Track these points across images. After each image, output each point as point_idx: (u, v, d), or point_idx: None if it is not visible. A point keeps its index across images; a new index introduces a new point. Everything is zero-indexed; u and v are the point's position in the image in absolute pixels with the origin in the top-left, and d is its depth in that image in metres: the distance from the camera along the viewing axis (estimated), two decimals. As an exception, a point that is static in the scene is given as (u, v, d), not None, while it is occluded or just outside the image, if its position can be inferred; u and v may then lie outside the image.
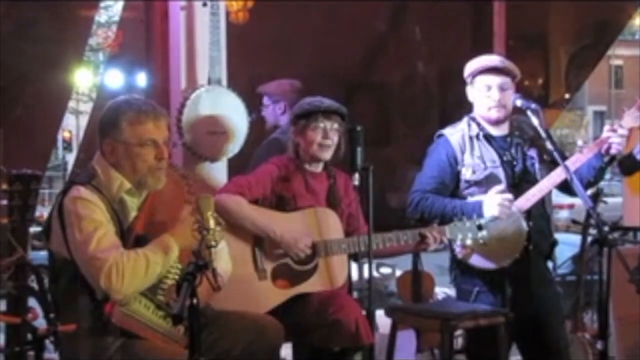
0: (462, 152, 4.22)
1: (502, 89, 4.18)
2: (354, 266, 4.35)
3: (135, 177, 3.27)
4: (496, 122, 4.25)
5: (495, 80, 4.19)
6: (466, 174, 4.21)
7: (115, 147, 3.26)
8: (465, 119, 4.31)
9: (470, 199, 4.19)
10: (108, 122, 3.30)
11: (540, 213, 4.26)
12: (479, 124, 4.26)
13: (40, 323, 2.91)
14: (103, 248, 3.08)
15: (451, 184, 4.23)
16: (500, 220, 4.06)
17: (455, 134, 4.27)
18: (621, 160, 4.56)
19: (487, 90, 4.19)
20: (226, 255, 3.45)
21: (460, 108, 4.53)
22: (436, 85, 7.88)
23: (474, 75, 4.23)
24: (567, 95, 9.18)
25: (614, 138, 4.16)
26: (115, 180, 3.25)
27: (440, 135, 4.33)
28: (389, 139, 7.59)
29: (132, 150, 3.25)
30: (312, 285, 3.96)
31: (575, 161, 4.16)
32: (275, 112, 5.30)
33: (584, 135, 33.56)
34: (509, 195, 4.09)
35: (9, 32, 5.36)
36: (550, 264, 4.41)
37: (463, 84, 4.38)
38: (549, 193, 4.25)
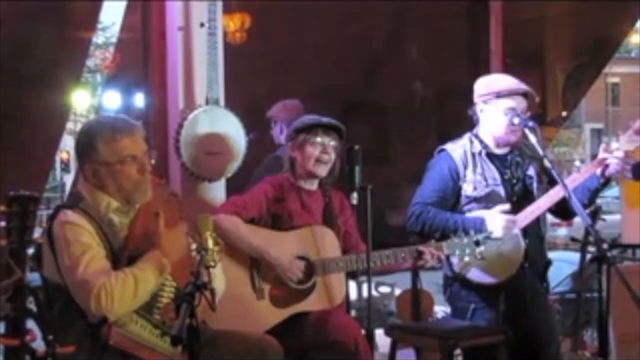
0: (465, 167, 4.22)
1: (523, 112, 4.19)
2: (353, 285, 4.34)
3: (122, 194, 3.25)
4: (508, 144, 4.25)
5: (520, 104, 4.20)
6: (467, 189, 4.22)
7: (97, 169, 3.24)
8: (466, 136, 4.31)
9: (469, 214, 4.19)
10: (84, 146, 3.27)
11: (535, 232, 4.28)
12: (481, 142, 4.27)
13: (39, 345, 2.90)
14: (91, 271, 3.06)
15: (452, 198, 4.23)
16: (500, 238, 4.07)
17: (457, 149, 4.27)
18: (636, 165, 4.55)
19: (511, 112, 4.17)
20: (220, 273, 3.43)
21: (458, 126, 4.53)
22: (434, 104, 7.89)
23: (500, 96, 4.21)
24: (564, 113, 9.21)
25: (611, 159, 4.17)
26: (102, 201, 3.24)
27: (442, 150, 4.33)
28: (387, 158, 7.59)
29: (114, 169, 3.23)
30: (311, 304, 3.96)
31: (573, 180, 4.18)
32: (276, 133, 5.35)
33: (581, 153, 33.65)
34: (514, 217, 4.10)
35: (6, 54, 5.37)
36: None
37: (461, 102, 4.38)
38: (544, 213, 4.26)
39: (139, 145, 3.29)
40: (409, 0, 7.26)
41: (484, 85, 4.29)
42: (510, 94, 4.20)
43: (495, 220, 4.09)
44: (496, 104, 4.22)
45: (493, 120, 4.24)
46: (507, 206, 4.14)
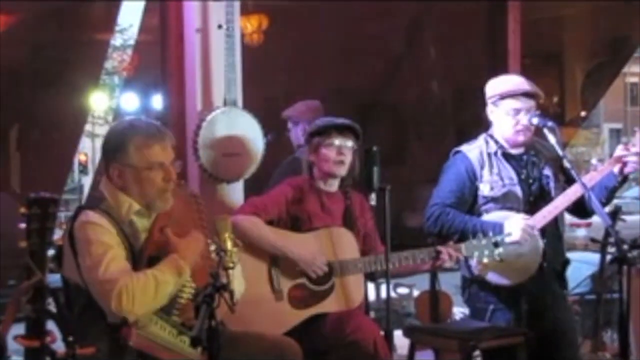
0: (481, 168, 4.22)
1: (529, 112, 4.18)
2: (371, 286, 4.33)
3: (144, 200, 3.25)
4: (520, 144, 4.25)
5: (524, 104, 4.18)
6: (484, 190, 4.20)
7: (123, 171, 3.24)
8: (482, 137, 4.31)
9: (486, 216, 4.18)
10: (114, 146, 3.27)
11: (553, 231, 4.26)
12: (497, 142, 4.26)
13: (59, 346, 2.91)
14: (112, 271, 3.06)
15: (469, 199, 4.22)
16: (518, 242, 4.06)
17: (473, 150, 4.27)
18: None
19: (515, 114, 4.17)
20: (239, 274, 3.44)
21: (475, 126, 4.53)
22: (451, 104, 7.88)
23: (503, 97, 4.21)
24: (583, 113, 9.18)
25: (629, 157, 4.15)
26: (123, 202, 3.23)
27: (458, 152, 4.33)
28: (404, 158, 7.59)
29: (141, 174, 3.22)
30: (329, 305, 3.95)
31: (591, 179, 4.15)
32: (297, 134, 5.32)
33: (600, 153, 33.43)
34: (532, 222, 4.08)
35: (26, 56, 5.41)
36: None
37: (478, 102, 4.37)
38: (562, 212, 4.24)
39: (168, 153, 3.28)
40: (427, 0, 7.26)
41: (491, 87, 4.30)
42: (512, 95, 4.19)
43: (514, 224, 4.07)
44: (502, 106, 4.22)
45: (501, 121, 4.24)
46: (524, 215, 4.12)
